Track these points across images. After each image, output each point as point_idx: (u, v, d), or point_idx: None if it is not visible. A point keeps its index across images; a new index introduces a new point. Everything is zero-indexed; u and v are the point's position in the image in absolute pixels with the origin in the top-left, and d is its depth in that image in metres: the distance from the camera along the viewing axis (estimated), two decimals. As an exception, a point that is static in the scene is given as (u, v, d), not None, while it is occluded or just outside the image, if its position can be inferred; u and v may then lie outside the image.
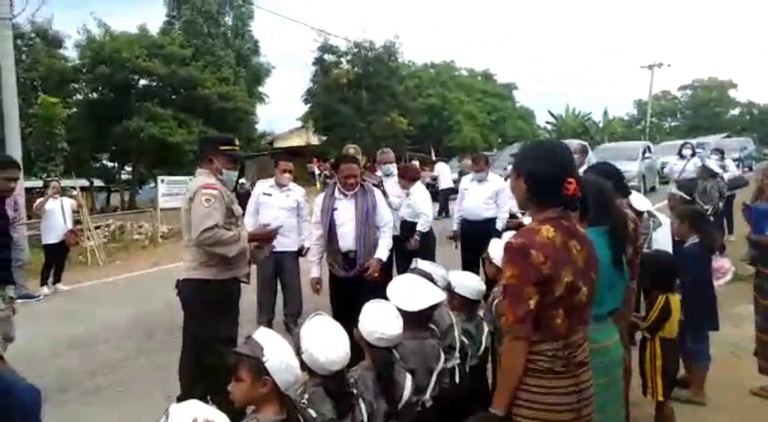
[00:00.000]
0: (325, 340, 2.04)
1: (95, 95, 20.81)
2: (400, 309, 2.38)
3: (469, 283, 3.05)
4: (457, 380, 2.66)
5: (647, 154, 16.19)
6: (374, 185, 4.72)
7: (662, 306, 3.20)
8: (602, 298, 2.18)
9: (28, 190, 12.00)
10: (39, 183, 15.65)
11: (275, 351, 1.84)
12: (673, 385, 3.33)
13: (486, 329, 3.07)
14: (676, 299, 3.25)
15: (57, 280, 8.23)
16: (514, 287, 1.79)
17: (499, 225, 5.96)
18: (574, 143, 10.01)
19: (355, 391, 2.12)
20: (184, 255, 3.48)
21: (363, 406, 2.11)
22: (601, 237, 2.28)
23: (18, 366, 4.99)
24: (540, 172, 1.88)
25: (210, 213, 3.21)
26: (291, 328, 5.26)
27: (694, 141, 11.71)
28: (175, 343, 5.50)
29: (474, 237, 5.89)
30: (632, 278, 2.83)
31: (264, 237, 3.72)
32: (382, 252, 4.24)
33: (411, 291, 2.54)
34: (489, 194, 6.05)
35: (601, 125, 41.36)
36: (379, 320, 2.26)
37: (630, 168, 13.12)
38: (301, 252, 5.70)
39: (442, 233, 6.64)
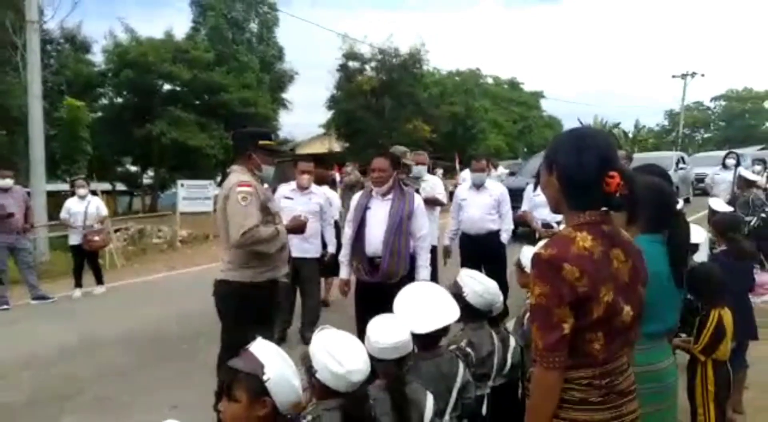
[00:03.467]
0: (341, 350, 1.82)
1: (120, 99, 21.08)
2: None
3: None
4: (483, 411, 2.36)
5: (681, 165, 15.63)
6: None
7: (716, 325, 2.85)
8: (659, 315, 1.90)
9: (51, 194, 12.04)
10: (63, 186, 15.84)
11: (277, 368, 1.60)
12: (725, 411, 3.01)
13: (512, 344, 2.77)
14: (728, 315, 2.90)
15: (97, 282, 8.12)
16: (544, 308, 1.48)
17: (504, 237, 5.38)
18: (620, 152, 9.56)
19: (374, 414, 1.88)
20: (222, 256, 3.39)
21: None
22: (658, 245, 1.98)
23: (24, 370, 4.89)
24: (576, 166, 1.55)
25: (248, 213, 3.10)
26: (307, 338, 5.01)
27: (739, 151, 11.01)
28: (185, 352, 5.36)
29: (477, 253, 5.23)
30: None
31: (297, 227, 3.62)
32: (423, 272, 3.91)
33: (418, 309, 2.28)
34: (491, 203, 5.40)
35: (630, 135, 40.51)
36: (379, 329, 2.04)
37: (663, 179, 12.61)
38: (323, 258, 5.44)
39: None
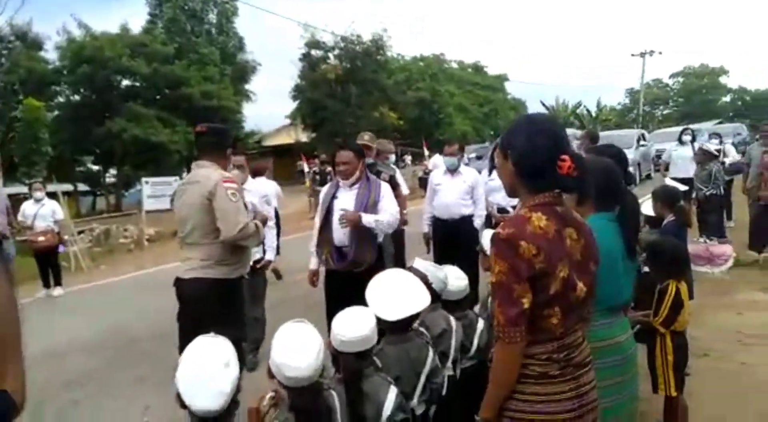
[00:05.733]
0: (286, 342, 1.86)
1: (77, 97, 20.52)
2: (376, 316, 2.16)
3: (451, 281, 2.77)
4: (443, 392, 2.40)
5: (642, 142, 16.01)
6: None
7: (674, 297, 2.92)
8: (616, 290, 2.01)
9: (10, 196, 11.66)
10: (23, 189, 15.36)
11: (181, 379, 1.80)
12: (684, 378, 3.14)
13: (480, 327, 2.83)
14: (685, 287, 2.98)
15: (55, 283, 8.00)
16: (504, 285, 1.55)
17: (477, 222, 5.32)
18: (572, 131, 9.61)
19: (336, 406, 1.90)
20: (191, 253, 3.24)
21: None
22: (610, 223, 2.07)
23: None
24: (530, 150, 1.61)
25: (240, 209, 3.13)
26: (249, 361, 4.31)
27: (694, 126, 11.22)
28: (154, 352, 5.29)
29: (450, 238, 5.16)
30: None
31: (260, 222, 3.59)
32: (369, 218, 3.74)
33: (390, 296, 2.30)
34: (465, 189, 5.29)
35: (593, 114, 41.23)
36: (343, 323, 2.06)
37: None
38: (257, 263, 4.55)
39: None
